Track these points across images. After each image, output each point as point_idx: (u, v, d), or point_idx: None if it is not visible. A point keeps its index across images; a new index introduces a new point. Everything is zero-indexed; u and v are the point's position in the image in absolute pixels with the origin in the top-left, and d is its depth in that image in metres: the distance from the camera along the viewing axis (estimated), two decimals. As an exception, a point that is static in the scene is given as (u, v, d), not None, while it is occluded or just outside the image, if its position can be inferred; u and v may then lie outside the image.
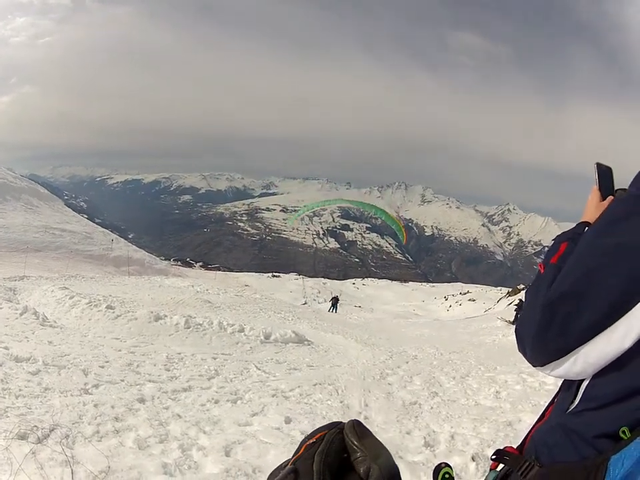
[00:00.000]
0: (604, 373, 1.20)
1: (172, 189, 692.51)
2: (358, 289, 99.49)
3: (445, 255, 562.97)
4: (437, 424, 7.23)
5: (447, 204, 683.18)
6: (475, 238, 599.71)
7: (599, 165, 1.59)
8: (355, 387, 9.28)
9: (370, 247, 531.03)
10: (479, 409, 8.29)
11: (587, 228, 1.45)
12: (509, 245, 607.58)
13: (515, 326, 1.43)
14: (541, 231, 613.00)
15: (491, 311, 49.09)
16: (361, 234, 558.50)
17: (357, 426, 1.14)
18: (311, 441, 1.14)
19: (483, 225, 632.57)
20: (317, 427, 1.21)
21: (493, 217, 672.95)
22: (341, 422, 1.18)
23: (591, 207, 1.55)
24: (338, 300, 44.72)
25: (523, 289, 52.91)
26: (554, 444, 1.25)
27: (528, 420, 7.21)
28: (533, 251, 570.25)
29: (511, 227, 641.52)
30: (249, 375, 9.24)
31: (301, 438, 5.19)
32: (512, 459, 1.34)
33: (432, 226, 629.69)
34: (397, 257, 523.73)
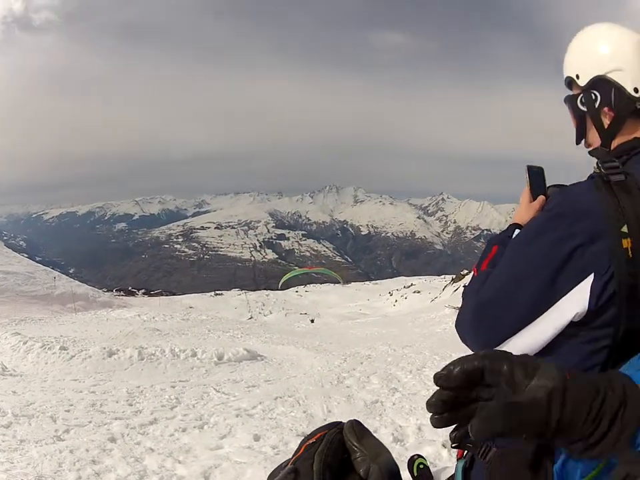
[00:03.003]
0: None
1: (106, 218, 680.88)
2: (301, 296, 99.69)
3: (383, 251, 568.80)
4: (402, 418, 7.37)
5: (380, 201, 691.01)
6: (412, 231, 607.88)
7: (530, 167, 1.68)
8: (314, 395, 9.34)
9: (308, 254, 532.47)
10: (440, 399, 8.43)
11: (516, 230, 1.61)
12: (446, 233, 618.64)
13: (455, 323, 1.58)
14: (477, 215, 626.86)
15: (438, 300, 49.83)
16: (297, 241, 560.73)
17: (356, 426, 1.18)
18: (311, 441, 1.17)
19: (418, 217, 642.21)
20: (317, 427, 1.24)
21: (428, 208, 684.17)
22: (341, 422, 1.21)
23: (522, 209, 1.67)
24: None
25: (466, 274, 53.86)
26: None
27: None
28: (472, 236, 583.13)
29: (447, 216, 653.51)
30: (210, 399, 9.16)
31: (272, 453, 5.22)
32: (472, 444, 1.45)
33: (367, 225, 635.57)
34: (336, 259, 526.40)
